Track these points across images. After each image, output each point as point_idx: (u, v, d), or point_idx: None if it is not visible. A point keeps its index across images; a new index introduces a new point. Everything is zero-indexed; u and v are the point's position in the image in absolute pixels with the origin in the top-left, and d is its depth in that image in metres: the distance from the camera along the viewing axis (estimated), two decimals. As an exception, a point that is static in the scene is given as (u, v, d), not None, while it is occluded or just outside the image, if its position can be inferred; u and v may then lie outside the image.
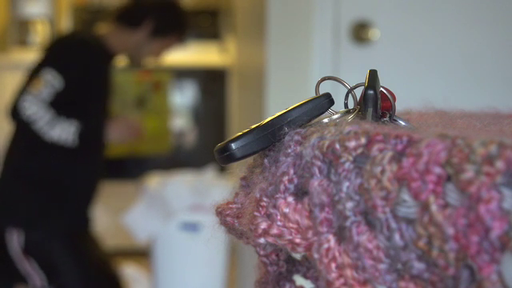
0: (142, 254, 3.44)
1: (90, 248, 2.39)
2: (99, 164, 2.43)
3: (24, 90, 2.22)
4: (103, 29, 2.46)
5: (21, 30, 4.39)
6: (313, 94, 0.52)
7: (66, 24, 4.39)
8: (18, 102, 2.21)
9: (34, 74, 2.25)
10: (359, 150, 0.42)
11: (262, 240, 0.46)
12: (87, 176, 2.38)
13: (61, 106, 2.23)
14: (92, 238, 2.42)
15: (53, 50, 2.35)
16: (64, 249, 2.28)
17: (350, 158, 0.42)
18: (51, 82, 2.20)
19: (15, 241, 2.23)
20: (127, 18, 2.40)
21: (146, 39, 2.41)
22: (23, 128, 2.25)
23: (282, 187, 0.46)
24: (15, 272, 2.27)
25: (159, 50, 2.47)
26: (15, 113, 2.22)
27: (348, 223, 0.41)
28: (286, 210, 0.45)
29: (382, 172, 0.39)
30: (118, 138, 2.41)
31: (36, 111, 2.18)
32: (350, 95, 0.53)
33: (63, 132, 2.21)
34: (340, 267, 0.41)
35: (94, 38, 2.39)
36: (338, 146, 0.43)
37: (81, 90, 2.30)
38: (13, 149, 2.32)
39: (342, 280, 0.41)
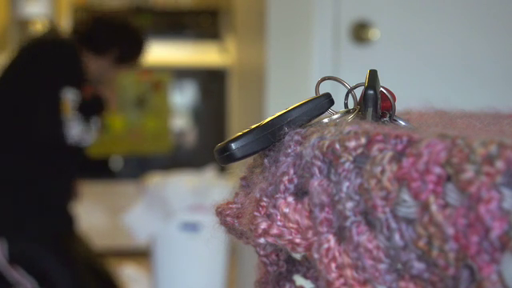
0: (142, 254, 3.44)
1: (76, 247, 2.37)
2: (73, 164, 2.43)
3: (58, 120, 2.24)
4: (72, 40, 2.43)
5: (21, 30, 4.38)
6: (313, 94, 0.52)
7: (65, 24, 4.39)
8: (60, 132, 2.23)
9: (52, 96, 2.25)
10: (359, 150, 0.42)
11: (262, 240, 0.46)
12: (62, 175, 2.37)
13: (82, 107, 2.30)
14: (77, 237, 2.41)
15: (53, 62, 2.32)
16: (49, 251, 2.26)
17: (350, 158, 0.42)
18: (73, 98, 2.26)
19: None
20: (92, 44, 2.39)
21: (108, 66, 2.43)
22: (49, 145, 2.29)
23: (282, 187, 0.46)
24: (5, 280, 2.26)
25: (118, 73, 2.51)
26: (59, 141, 2.25)
27: (348, 223, 0.41)
28: (286, 210, 0.45)
29: (382, 172, 0.39)
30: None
31: (79, 132, 2.26)
32: (350, 95, 0.53)
33: (93, 132, 2.32)
34: (340, 267, 0.41)
35: (74, 47, 2.37)
36: (337, 146, 0.43)
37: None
38: None
39: (341, 280, 0.41)
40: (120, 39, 2.44)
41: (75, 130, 2.24)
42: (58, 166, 2.34)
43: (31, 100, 2.26)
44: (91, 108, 2.34)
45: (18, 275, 2.24)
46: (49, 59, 2.34)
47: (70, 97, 2.25)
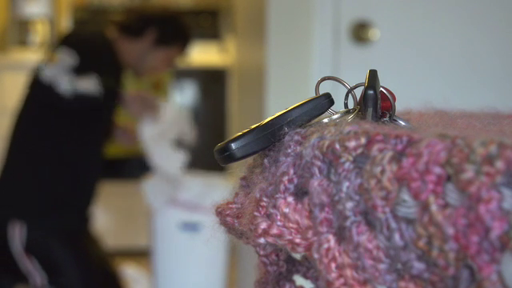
0: (142, 254, 3.44)
1: (90, 247, 2.40)
2: (100, 163, 2.46)
3: (39, 66, 2.27)
4: (110, 33, 2.48)
5: (21, 29, 4.39)
6: (313, 94, 0.52)
7: (65, 24, 4.39)
8: (37, 73, 2.25)
9: (49, 53, 2.32)
10: (359, 150, 0.42)
11: (261, 240, 0.46)
12: (91, 174, 2.40)
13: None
14: (92, 237, 2.44)
15: (69, 39, 2.40)
16: (64, 247, 2.29)
17: (350, 158, 0.42)
18: (66, 59, 2.25)
19: (17, 237, 2.23)
20: (130, 29, 2.45)
21: (148, 49, 2.44)
22: (34, 117, 2.27)
23: (282, 187, 0.46)
24: (16, 272, 2.27)
25: (163, 61, 2.50)
26: (34, 81, 2.26)
27: (348, 223, 0.41)
28: (286, 210, 0.45)
29: (382, 172, 0.39)
30: (135, 112, 2.44)
31: (56, 73, 2.21)
32: (350, 95, 0.53)
33: (87, 84, 2.23)
34: (340, 267, 0.41)
35: (108, 40, 2.42)
36: (337, 146, 0.43)
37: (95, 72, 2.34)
38: (19, 140, 2.34)
39: (341, 280, 0.41)
40: (157, 19, 2.48)
41: (52, 71, 2.21)
42: (90, 164, 2.37)
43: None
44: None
45: (30, 265, 2.25)
46: (66, 38, 2.42)
47: (63, 56, 2.24)
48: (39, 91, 2.26)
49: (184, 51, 2.54)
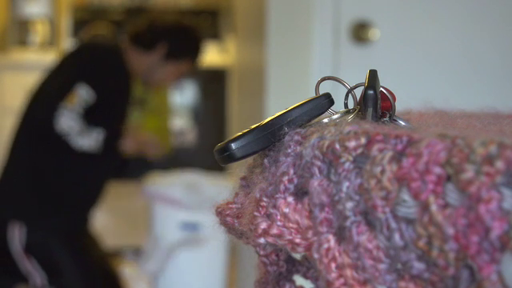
0: (142, 254, 3.43)
1: (89, 247, 2.40)
2: (110, 167, 2.45)
3: (58, 103, 2.23)
4: (122, 43, 2.46)
5: (21, 29, 4.39)
6: (313, 94, 0.52)
7: (65, 24, 4.39)
8: (52, 113, 2.22)
9: (67, 84, 2.26)
10: (359, 150, 0.42)
11: (261, 240, 0.46)
12: (93, 176, 2.40)
13: (89, 113, 2.26)
14: (91, 237, 2.44)
15: (85, 60, 2.37)
16: (64, 248, 2.29)
17: (350, 158, 0.42)
18: (84, 97, 2.25)
19: (16, 238, 2.24)
20: (141, 41, 2.42)
21: (159, 62, 2.42)
22: (40, 130, 2.27)
23: (281, 187, 0.46)
24: (16, 272, 2.28)
25: (172, 74, 2.48)
26: (47, 123, 2.23)
27: (348, 223, 0.41)
28: (286, 210, 0.45)
29: (382, 172, 0.39)
30: (130, 150, 2.42)
31: (71, 125, 2.22)
32: (350, 95, 0.53)
33: (92, 141, 2.25)
34: (340, 267, 0.41)
35: (121, 51, 2.41)
36: (337, 146, 0.43)
37: (110, 102, 2.34)
38: (22, 142, 2.34)
39: (341, 280, 0.41)
40: (168, 32, 2.44)
41: (67, 121, 2.21)
42: (96, 168, 2.37)
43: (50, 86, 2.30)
44: (99, 121, 2.31)
45: (30, 266, 2.26)
46: (81, 56, 2.40)
47: (82, 93, 2.24)
48: (53, 135, 2.25)
49: (194, 65, 2.52)
